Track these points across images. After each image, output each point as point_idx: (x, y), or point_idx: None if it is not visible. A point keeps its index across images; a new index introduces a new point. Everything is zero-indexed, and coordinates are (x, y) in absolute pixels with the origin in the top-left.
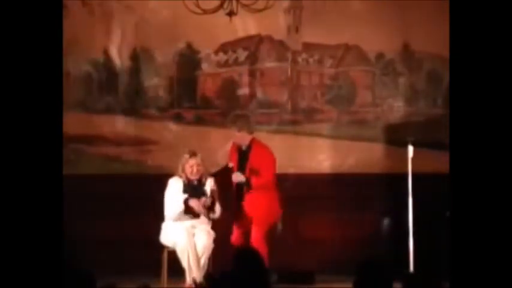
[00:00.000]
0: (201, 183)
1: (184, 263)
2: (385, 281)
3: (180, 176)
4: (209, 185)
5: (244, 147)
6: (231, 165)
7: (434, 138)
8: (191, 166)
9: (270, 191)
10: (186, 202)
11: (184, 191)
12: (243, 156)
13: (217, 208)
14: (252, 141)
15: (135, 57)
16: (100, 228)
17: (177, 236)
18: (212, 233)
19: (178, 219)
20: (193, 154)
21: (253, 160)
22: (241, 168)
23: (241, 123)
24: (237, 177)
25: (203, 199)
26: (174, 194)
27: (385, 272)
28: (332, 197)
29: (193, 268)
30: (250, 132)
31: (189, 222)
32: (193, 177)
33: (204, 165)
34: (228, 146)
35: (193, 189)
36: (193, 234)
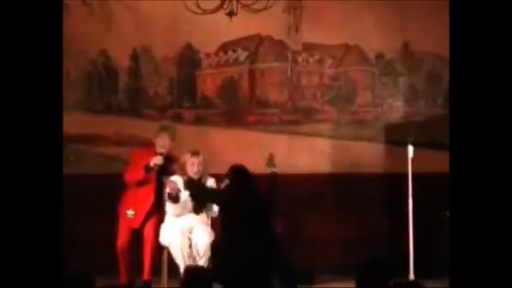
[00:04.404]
0: (201, 182)
1: (179, 261)
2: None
3: (181, 175)
4: (210, 184)
5: (163, 151)
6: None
7: (434, 138)
8: (192, 164)
9: None
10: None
11: (187, 188)
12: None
13: (215, 207)
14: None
15: (135, 57)
16: (100, 228)
17: (171, 236)
18: (212, 233)
19: (178, 215)
20: (195, 153)
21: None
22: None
23: (166, 134)
24: (158, 160)
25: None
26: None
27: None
28: (332, 197)
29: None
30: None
31: (188, 222)
32: (195, 176)
33: (205, 165)
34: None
35: (194, 186)
36: (190, 238)
